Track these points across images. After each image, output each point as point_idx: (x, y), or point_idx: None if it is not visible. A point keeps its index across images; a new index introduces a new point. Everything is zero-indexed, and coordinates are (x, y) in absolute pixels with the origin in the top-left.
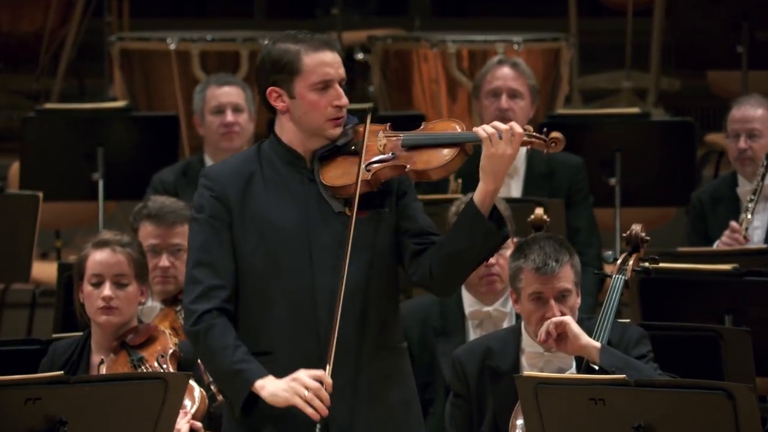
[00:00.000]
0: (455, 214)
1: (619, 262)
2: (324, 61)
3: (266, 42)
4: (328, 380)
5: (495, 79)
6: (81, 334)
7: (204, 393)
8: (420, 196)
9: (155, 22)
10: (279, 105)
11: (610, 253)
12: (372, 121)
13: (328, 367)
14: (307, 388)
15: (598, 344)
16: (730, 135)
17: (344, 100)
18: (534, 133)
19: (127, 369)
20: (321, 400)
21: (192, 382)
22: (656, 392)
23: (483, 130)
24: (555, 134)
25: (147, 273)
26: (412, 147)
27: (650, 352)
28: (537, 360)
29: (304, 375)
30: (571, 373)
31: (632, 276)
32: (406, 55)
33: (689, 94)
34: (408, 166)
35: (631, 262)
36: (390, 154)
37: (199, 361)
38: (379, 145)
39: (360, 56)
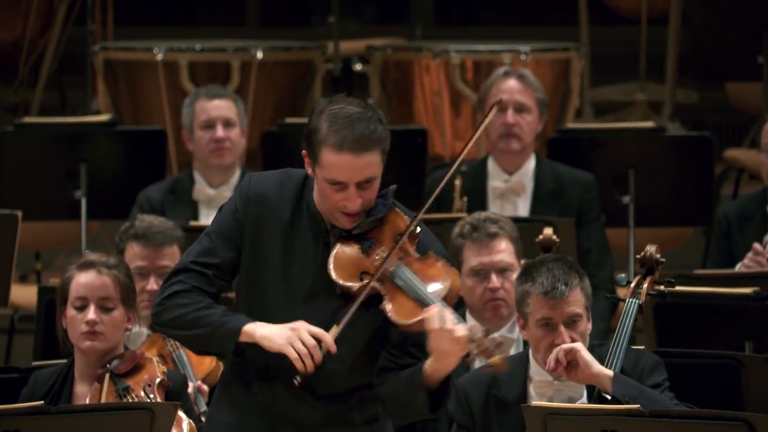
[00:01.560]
0: (459, 236)
1: (632, 285)
2: (338, 165)
3: (330, 98)
4: (329, 340)
5: (500, 92)
6: (63, 362)
7: (193, 425)
8: (422, 216)
9: (141, 31)
10: (308, 169)
11: (623, 275)
12: (400, 212)
13: (335, 328)
14: (304, 343)
15: (610, 372)
16: (765, 150)
17: (352, 207)
18: (482, 343)
19: (112, 399)
20: (313, 357)
21: (180, 413)
22: (672, 423)
23: (433, 320)
24: (495, 359)
25: (134, 297)
26: (395, 284)
27: (666, 380)
28: (546, 389)
29: (304, 329)
30: (582, 402)
31: (647, 300)
32: (407, 65)
33: (707, 107)
34: (385, 300)
35: (645, 286)
36: (381, 275)
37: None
38: (376, 258)
39: (358, 67)
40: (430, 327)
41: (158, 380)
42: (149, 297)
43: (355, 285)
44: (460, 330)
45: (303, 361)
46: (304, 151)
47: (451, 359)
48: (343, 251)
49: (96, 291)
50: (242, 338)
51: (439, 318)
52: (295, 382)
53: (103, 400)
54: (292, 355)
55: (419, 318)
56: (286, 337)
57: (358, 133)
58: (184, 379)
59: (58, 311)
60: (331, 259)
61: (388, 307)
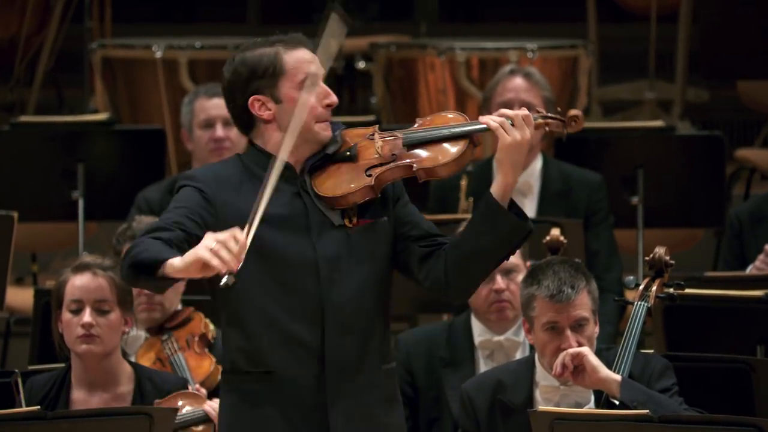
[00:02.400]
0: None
1: (641, 287)
2: (305, 59)
3: (233, 56)
4: (242, 239)
5: (506, 90)
6: (60, 366)
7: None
8: (428, 216)
9: (140, 28)
10: (264, 114)
11: (631, 278)
12: (351, 128)
13: (247, 228)
14: (216, 240)
15: (618, 377)
16: None
17: (334, 98)
18: (548, 114)
19: (157, 348)
20: (231, 252)
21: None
22: (682, 429)
23: (492, 120)
24: (573, 112)
25: (131, 300)
26: (414, 145)
27: (675, 385)
28: (552, 394)
29: (215, 233)
30: (590, 408)
31: (656, 303)
32: (412, 63)
33: (718, 106)
34: (415, 165)
35: (654, 288)
36: (391, 155)
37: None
38: (377, 147)
39: (361, 65)
40: (494, 126)
41: (200, 334)
42: (147, 299)
43: (368, 182)
44: (518, 111)
45: (221, 258)
46: (253, 97)
47: (523, 151)
48: (327, 175)
49: (91, 293)
50: (166, 272)
51: (490, 119)
52: (222, 283)
53: (149, 353)
54: (206, 255)
55: (463, 145)
56: (198, 247)
57: (294, 35)
58: (183, 382)
59: (54, 315)
60: (323, 188)
61: (425, 163)
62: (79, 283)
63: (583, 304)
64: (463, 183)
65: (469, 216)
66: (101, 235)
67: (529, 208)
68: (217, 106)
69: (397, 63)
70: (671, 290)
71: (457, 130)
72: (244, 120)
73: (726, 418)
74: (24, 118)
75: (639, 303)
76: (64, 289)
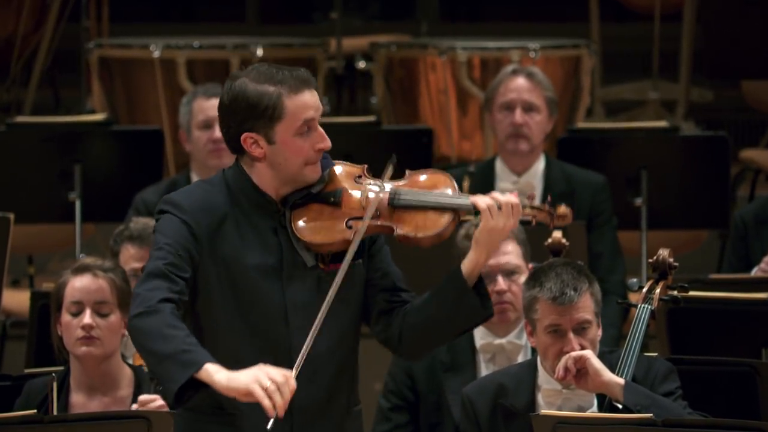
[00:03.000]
0: (465, 238)
1: (644, 290)
2: (306, 104)
3: (237, 78)
4: (293, 383)
5: (508, 90)
6: (59, 369)
7: None
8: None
9: (137, 28)
10: (255, 152)
11: (635, 280)
12: (345, 162)
13: (294, 371)
14: (271, 380)
15: (621, 380)
16: None
17: (327, 143)
18: (537, 205)
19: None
20: (284, 399)
21: None
22: None
23: (482, 201)
24: (562, 209)
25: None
26: (399, 206)
27: (679, 388)
28: (555, 398)
29: (270, 368)
30: (593, 412)
31: (659, 305)
32: (412, 63)
33: (722, 106)
34: (396, 229)
35: (658, 291)
36: (374, 211)
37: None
38: (362, 198)
39: (361, 65)
40: (482, 208)
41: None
42: None
43: (347, 234)
44: (509, 197)
45: (273, 402)
46: (244, 134)
47: (503, 236)
48: (307, 217)
49: (92, 295)
50: (201, 375)
51: (479, 200)
52: (269, 425)
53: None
54: (259, 394)
55: (447, 219)
56: (251, 376)
57: (298, 73)
58: None
59: (53, 318)
60: (300, 230)
61: (405, 229)
62: (79, 284)
63: (586, 306)
64: (466, 184)
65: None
66: (98, 236)
67: None
68: (215, 106)
69: (398, 63)
70: (675, 293)
71: (446, 202)
72: (233, 146)
73: (730, 422)
74: (20, 119)
75: (642, 305)
76: (63, 290)
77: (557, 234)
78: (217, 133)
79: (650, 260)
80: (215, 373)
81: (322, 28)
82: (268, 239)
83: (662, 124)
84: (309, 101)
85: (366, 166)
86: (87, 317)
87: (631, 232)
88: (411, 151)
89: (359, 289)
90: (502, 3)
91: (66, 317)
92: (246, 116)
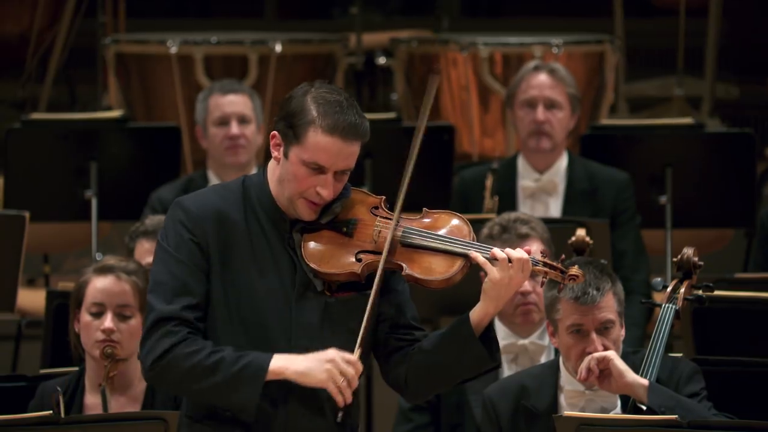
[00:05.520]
0: (488, 237)
1: (669, 289)
2: (327, 148)
3: (319, 85)
4: (360, 366)
5: (530, 87)
6: (74, 369)
7: None
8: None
9: (154, 23)
10: (274, 153)
11: (659, 279)
12: (364, 191)
13: (357, 350)
14: (343, 374)
15: (645, 382)
16: None
17: (326, 192)
18: (550, 263)
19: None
20: (352, 389)
21: None
22: None
23: (495, 253)
24: (575, 270)
25: None
26: (412, 245)
27: (704, 389)
28: (577, 399)
29: (339, 359)
30: (616, 413)
31: (684, 305)
32: (433, 59)
33: (748, 103)
34: (405, 268)
35: (682, 290)
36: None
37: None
38: (375, 233)
39: (382, 60)
40: (484, 262)
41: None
42: None
43: (355, 267)
44: (521, 253)
45: (343, 394)
46: (274, 132)
47: (511, 291)
48: (318, 243)
49: (114, 298)
50: (270, 377)
51: (493, 251)
52: (339, 418)
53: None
54: (333, 391)
55: (459, 266)
56: (325, 372)
57: (350, 120)
58: None
59: (71, 315)
60: (309, 255)
61: (415, 271)
62: (101, 285)
63: (609, 306)
64: (489, 181)
65: (491, 216)
66: (114, 235)
67: (554, 207)
68: (232, 102)
69: (419, 59)
70: (700, 292)
71: (459, 249)
72: (267, 140)
73: (757, 424)
74: (36, 116)
75: (667, 305)
76: (85, 289)
77: (581, 232)
78: (234, 129)
79: (675, 259)
80: (286, 370)
81: (341, 24)
82: (281, 257)
83: (687, 120)
84: (330, 148)
85: (384, 198)
86: (108, 321)
87: (656, 230)
88: (432, 148)
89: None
90: None
91: (86, 317)
92: (283, 117)
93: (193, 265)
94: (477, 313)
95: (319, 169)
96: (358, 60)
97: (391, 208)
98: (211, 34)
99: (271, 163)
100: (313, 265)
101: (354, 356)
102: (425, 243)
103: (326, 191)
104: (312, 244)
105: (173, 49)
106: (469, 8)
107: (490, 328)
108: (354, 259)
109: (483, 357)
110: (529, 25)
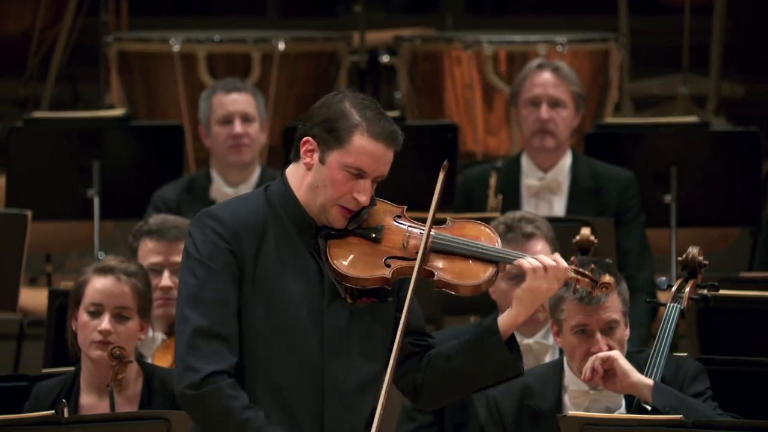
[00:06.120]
0: None
1: (674, 288)
2: (372, 152)
3: (348, 94)
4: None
5: (534, 86)
6: (70, 369)
7: None
8: (453, 215)
9: (157, 21)
10: (306, 159)
11: (664, 278)
12: (385, 200)
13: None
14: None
15: (650, 381)
16: None
17: (363, 197)
18: (583, 271)
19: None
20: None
21: None
22: None
23: (528, 262)
24: (606, 279)
25: (150, 308)
26: (442, 251)
27: (708, 389)
28: (582, 399)
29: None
30: (621, 413)
31: (689, 304)
32: (437, 57)
33: (754, 101)
34: (437, 274)
35: (687, 289)
36: (415, 253)
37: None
38: (404, 239)
39: (385, 59)
40: (527, 267)
41: None
42: (163, 293)
43: (385, 272)
44: (557, 260)
45: None
46: (308, 137)
47: (544, 299)
48: (345, 249)
49: (113, 299)
50: None
51: (526, 260)
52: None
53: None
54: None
55: (491, 272)
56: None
57: (393, 128)
58: None
59: (69, 313)
60: (338, 261)
61: (447, 276)
62: (100, 286)
63: (614, 306)
64: (492, 180)
65: (495, 215)
66: (117, 234)
67: (558, 206)
68: (235, 101)
69: (422, 57)
70: (705, 291)
71: (492, 255)
72: (296, 145)
73: (762, 424)
74: (38, 114)
75: (672, 305)
76: (84, 288)
77: (585, 231)
78: (237, 128)
79: (680, 258)
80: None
81: (344, 22)
82: (308, 263)
83: (692, 119)
84: (375, 152)
85: (405, 207)
86: (105, 322)
87: (660, 229)
88: (436, 147)
89: (385, 329)
90: None
91: (83, 317)
92: (319, 123)
93: (228, 275)
94: (506, 320)
95: (359, 175)
96: (362, 58)
97: (413, 218)
98: (214, 33)
99: (293, 170)
100: (342, 271)
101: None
102: (456, 249)
103: (364, 197)
104: (339, 250)
105: (176, 48)
106: (473, 6)
107: (513, 338)
108: (383, 264)
109: (508, 364)
110: (534, 23)
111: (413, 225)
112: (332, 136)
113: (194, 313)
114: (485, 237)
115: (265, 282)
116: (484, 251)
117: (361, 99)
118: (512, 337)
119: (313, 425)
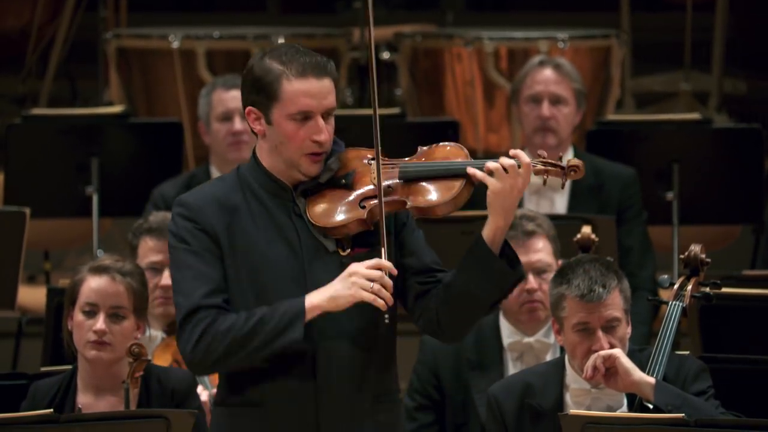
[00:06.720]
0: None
1: (676, 286)
2: (305, 91)
3: (263, 53)
4: (387, 263)
5: (535, 83)
6: (67, 368)
7: None
8: (455, 213)
9: (156, 18)
10: (257, 127)
11: (666, 276)
12: (358, 146)
13: (383, 250)
14: (370, 279)
15: (652, 380)
16: None
17: (323, 136)
18: (548, 160)
19: (174, 355)
20: (385, 288)
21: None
22: None
23: (489, 164)
24: (573, 161)
25: (146, 307)
26: (410, 179)
27: (711, 387)
28: (583, 397)
29: (360, 267)
30: (622, 411)
31: (691, 302)
32: (438, 54)
33: (756, 98)
34: (408, 201)
35: (689, 287)
36: (386, 188)
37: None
38: (372, 177)
39: (386, 55)
40: (483, 176)
41: None
42: (163, 293)
43: (361, 214)
44: (517, 154)
45: (382, 297)
46: (249, 108)
47: (515, 198)
48: (321, 203)
49: (108, 299)
50: (309, 315)
51: (487, 163)
52: (386, 320)
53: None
54: (369, 298)
55: (460, 185)
56: (351, 285)
57: (313, 59)
58: (191, 378)
59: (65, 312)
60: (316, 216)
61: (418, 201)
62: (95, 285)
63: (615, 303)
64: None
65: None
66: (116, 231)
67: (560, 203)
68: (235, 98)
69: (423, 53)
70: (707, 289)
71: (455, 167)
72: (248, 122)
73: (765, 422)
74: (36, 111)
75: (674, 303)
76: (79, 288)
77: (586, 229)
78: (237, 125)
79: (682, 256)
80: (318, 307)
81: (344, 18)
82: (285, 226)
83: (694, 116)
84: (311, 89)
85: (379, 148)
86: (100, 322)
87: (662, 227)
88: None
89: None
90: None
91: (79, 316)
92: (250, 90)
93: (206, 252)
94: (488, 230)
95: (306, 117)
96: (362, 55)
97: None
98: (213, 29)
99: (258, 145)
100: (320, 224)
101: (375, 260)
102: (422, 173)
103: (323, 135)
104: (316, 206)
105: (175, 44)
106: (473, 2)
107: (507, 244)
108: (358, 207)
109: (505, 271)
110: (535, 20)
111: (384, 162)
112: (265, 95)
113: (181, 298)
114: (452, 153)
115: (246, 254)
116: (451, 166)
117: (277, 48)
118: (505, 245)
119: (305, 380)
